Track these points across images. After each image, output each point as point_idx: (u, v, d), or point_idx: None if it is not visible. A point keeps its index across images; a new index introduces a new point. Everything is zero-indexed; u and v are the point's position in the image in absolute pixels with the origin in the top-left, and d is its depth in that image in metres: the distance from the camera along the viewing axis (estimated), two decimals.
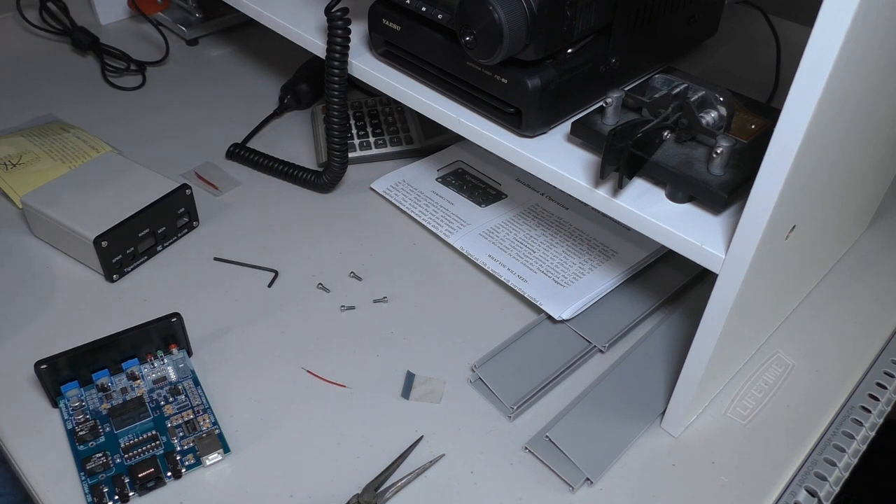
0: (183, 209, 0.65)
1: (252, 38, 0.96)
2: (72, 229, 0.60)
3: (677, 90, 0.47)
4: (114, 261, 0.61)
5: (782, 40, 0.72)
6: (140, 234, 0.62)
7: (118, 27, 0.97)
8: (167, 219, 0.64)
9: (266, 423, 0.52)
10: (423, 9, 0.51)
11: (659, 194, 0.46)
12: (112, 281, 0.62)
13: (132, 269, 0.63)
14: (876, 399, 0.55)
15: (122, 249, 0.61)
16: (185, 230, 0.67)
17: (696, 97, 0.46)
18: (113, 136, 0.77)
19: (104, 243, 0.60)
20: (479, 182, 0.73)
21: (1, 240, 0.65)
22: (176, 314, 0.53)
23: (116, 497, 0.47)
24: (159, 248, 0.65)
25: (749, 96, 0.50)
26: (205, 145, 0.77)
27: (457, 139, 0.77)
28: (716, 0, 0.63)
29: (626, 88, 0.49)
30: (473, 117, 0.53)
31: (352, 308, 0.61)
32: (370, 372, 0.56)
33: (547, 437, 0.51)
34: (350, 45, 0.58)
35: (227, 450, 0.50)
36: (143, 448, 0.49)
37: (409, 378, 0.55)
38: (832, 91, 0.34)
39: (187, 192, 0.65)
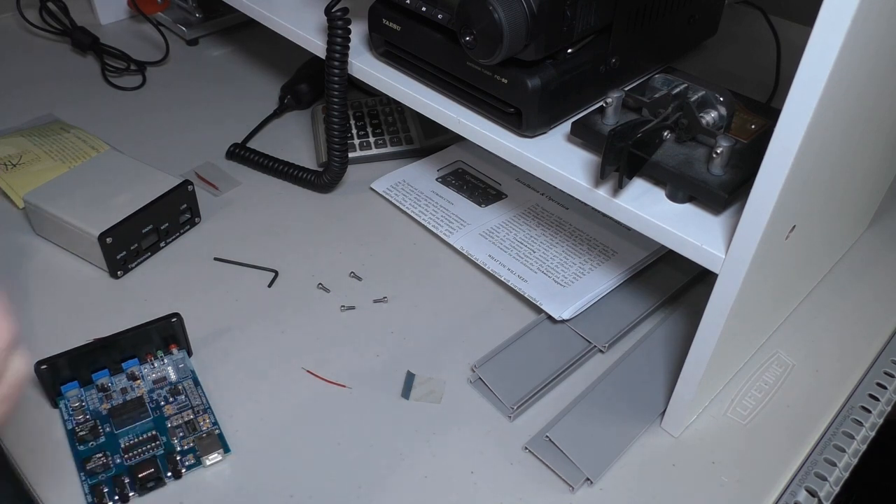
0: (185, 205, 0.66)
1: (252, 38, 0.96)
2: (76, 226, 0.60)
3: (677, 90, 0.47)
4: (118, 257, 0.61)
5: (782, 40, 0.72)
6: (143, 231, 0.62)
7: (118, 27, 0.97)
8: (170, 215, 0.65)
9: (266, 423, 0.52)
10: (423, 9, 0.51)
11: (659, 194, 0.46)
12: (116, 277, 0.62)
13: (136, 266, 0.63)
14: (876, 399, 0.55)
15: (126, 246, 0.61)
16: (188, 226, 0.67)
17: (696, 97, 0.46)
18: (113, 136, 0.77)
19: (109, 240, 0.60)
20: (479, 182, 0.73)
21: (2, 239, 0.65)
22: (176, 314, 0.53)
23: (116, 497, 0.47)
24: (162, 244, 0.65)
25: (749, 96, 0.50)
26: (205, 145, 0.77)
27: (457, 139, 0.77)
28: (716, 0, 0.63)
29: (626, 88, 0.49)
30: (473, 117, 0.53)
31: (352, 308, 0.61)
32: (370, 372, 0.56)
33: (547, 437, 0.51)
34: (350, 45, 0.58)
35: (227, 450, 0.50)
36: (143, 448, 0.49)
37: (409, 378, 0.55)
38: (832, 91, 0.34)
39: (189, 188, 0.65)
